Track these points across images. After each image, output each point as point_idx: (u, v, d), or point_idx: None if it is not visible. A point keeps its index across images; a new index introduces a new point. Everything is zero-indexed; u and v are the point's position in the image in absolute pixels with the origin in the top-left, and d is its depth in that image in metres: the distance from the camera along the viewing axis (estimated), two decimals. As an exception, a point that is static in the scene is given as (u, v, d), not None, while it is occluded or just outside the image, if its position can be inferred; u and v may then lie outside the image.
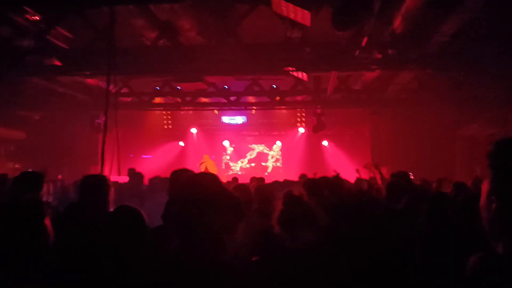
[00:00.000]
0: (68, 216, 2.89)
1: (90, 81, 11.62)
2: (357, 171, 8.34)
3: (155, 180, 6.13)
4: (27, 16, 7.75)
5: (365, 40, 7.74)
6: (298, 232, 2.47)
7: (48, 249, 1.71)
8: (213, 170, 14.87)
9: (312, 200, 3.74)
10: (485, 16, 6.77)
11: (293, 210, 2.58)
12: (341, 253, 2.48)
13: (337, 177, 6.07)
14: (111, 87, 6.64)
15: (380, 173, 7.02)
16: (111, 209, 3.08)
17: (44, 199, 3.49)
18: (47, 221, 1.72)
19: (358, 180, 8.45)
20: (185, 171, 3.22)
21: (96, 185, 3.12)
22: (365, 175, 9.09)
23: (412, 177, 6.15)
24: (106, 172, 8.24)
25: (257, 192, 4.40)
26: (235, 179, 8.27)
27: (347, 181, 8.73)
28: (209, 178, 2.11)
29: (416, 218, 3.58)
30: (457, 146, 14.32)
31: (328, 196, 3.90)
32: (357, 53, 8.27)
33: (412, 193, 4.47)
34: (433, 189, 7.15)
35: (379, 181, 7.09)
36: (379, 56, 8.43)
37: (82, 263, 2.15)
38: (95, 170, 9.48)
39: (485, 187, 1.23)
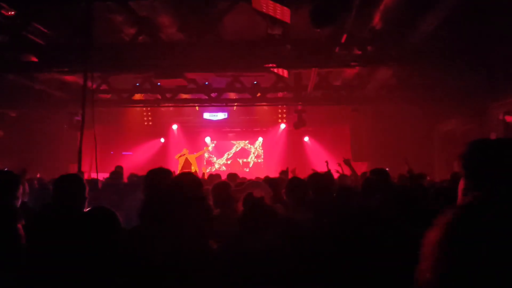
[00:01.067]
0: (42, 218, 2.83)
1: (68, 77, 11.45)
2: (326, 163, 8.36)
3: (133, 177, 6.08)
4: (2, 11, 7.58)
5: (344, 37, 7.79)
6: (260, 234, 2.48)
7: (19, 253, 1.68)
8: (193, 163, 14.85)
9: (291, 199, 3.75)
10: (462, 14, 6.88)
11: (253, 213, 2.59)
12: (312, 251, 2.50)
13: (328, 173, 6.10)
14: (89, 83, 6.54)
15: (352, 169, 7.10)
16: (88, 208, 3.05)
17: (20, 199, 3.40)
18: (19, 225, 1.70)
19: (342, 176, 8.52)
20: (161, 170, 3.19)
21: (70, 185, 3.06)
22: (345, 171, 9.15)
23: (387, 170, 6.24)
24: (85, 170, 8.14)
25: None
26: (217, 175, 8.22)
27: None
28: (188, 183, 2.15)
29: (389, 216, 3.61)
30: (435, 141, 14.54)
31: (312, 195, 3.90)
32: (337, 50, 8.31)
33: (387, 190, 4.50)
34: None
35: (350, 177, 7.18)
36: (359, 52, 8.49)
37: (55, 265, 2.12)
38: (73, 168, 9.35)
39: (461, 185, 1.27)
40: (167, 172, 3.17)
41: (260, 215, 2.61)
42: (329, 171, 6.49)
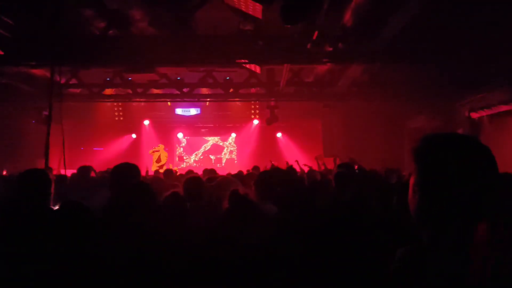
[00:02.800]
0: (8, 213, 2.75)
1: (36, 71, 11.17)
2: (297, 162, 8.52)
3: (104, 174, 6.00)
4: (-34, 2, 7.33)
5: (316, 33, 7.85)
6: (246, 229, 2.51)
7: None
8: (164, 160, 14.81)
9: (259, 193, 3.80)
10: (429, 13, 7.03)
11: (239, 209, 2.63)
12: (286, 244, 2.54)
13: (290, 168, 6.18)
14: (57, 78, 6.41)
15: (323, 165, 7.24)
16: (54, 204, 2.99)
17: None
18: None
19: (311, 171, 8.62)
20: (126, 165, 3.16)
21: (34, 179, 2.97)
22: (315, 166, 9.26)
23: (356, 167, 6.40)
24: (54, 166, 7.99)
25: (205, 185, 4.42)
26: (189, 171, 8.21)
27: (301, 172, 8.90)
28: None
29: (363, 208, 3.70)
30: (405, 137, 14.83)
31: (277, 188, 3.96)
32: (308, 46, 8.38)
33: (359, 183, 4.61)
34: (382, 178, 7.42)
35: (322, 172, 7.30)
36: (330, 49, 8.57)
37: (24, 259, 2.09)
38: (41, 164, 9.15)
39: (411, 181, 1.30)
40: (133, 167, 3.14)
41: (246, 210, 2.64)
42: (291, 166, 6.62)
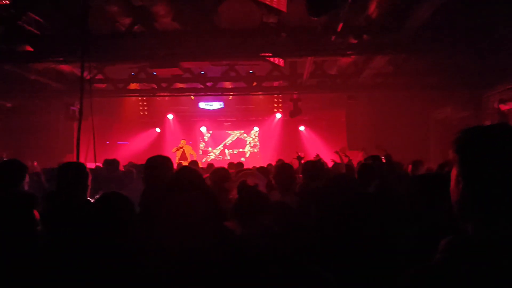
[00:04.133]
0: (50, 206, 2.83)
1: (63, 67, 11.40)
2: (317, 156, 8.49)
3: (130, 167, 6.09)
4: (-3, 0, 7.52)
5: (340, 25, 7.78)
6: (252, 219, 2.52)
7: (35, 238, 1.71)
8: (193, 153, 14.90)
9: (279, 184, 3.82)
10: (457, 2, 6.89)
11: (247, 199, 2.64)
12: (302, 236, 2.55)
13: (318, 161, 6.17)
14: (85, 73, 6.53)
15: (342, 158, 7.21)
16: (89, 197, 3.06)
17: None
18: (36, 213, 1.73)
19: (336, 164, 8.58)
20: (160, 158, 3.20)
21: (75, 173, 3.05)
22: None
23: (384, 160, 6.34)
24: (81, 160, 8.15)
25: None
26: (210, 165, 8.27)
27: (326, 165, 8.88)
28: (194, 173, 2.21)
29: (386, 201, 3.69)
30: (431, 129, 14.61)
31: (304, 181, 3.98)
32: (333, 38, 8.31)
33: (383, 176, 4.58)
34: (408, 171, 7.35)
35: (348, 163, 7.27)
36: (355, 41, 8.48)
37: (71, 252, 2.13)
38: (70, 158, 9.31)
39: (453, 172, 1.30)
40: (167, 160, 3.18)
41: (253, 200, 2.65)
42: (319, 160, 6.60)
